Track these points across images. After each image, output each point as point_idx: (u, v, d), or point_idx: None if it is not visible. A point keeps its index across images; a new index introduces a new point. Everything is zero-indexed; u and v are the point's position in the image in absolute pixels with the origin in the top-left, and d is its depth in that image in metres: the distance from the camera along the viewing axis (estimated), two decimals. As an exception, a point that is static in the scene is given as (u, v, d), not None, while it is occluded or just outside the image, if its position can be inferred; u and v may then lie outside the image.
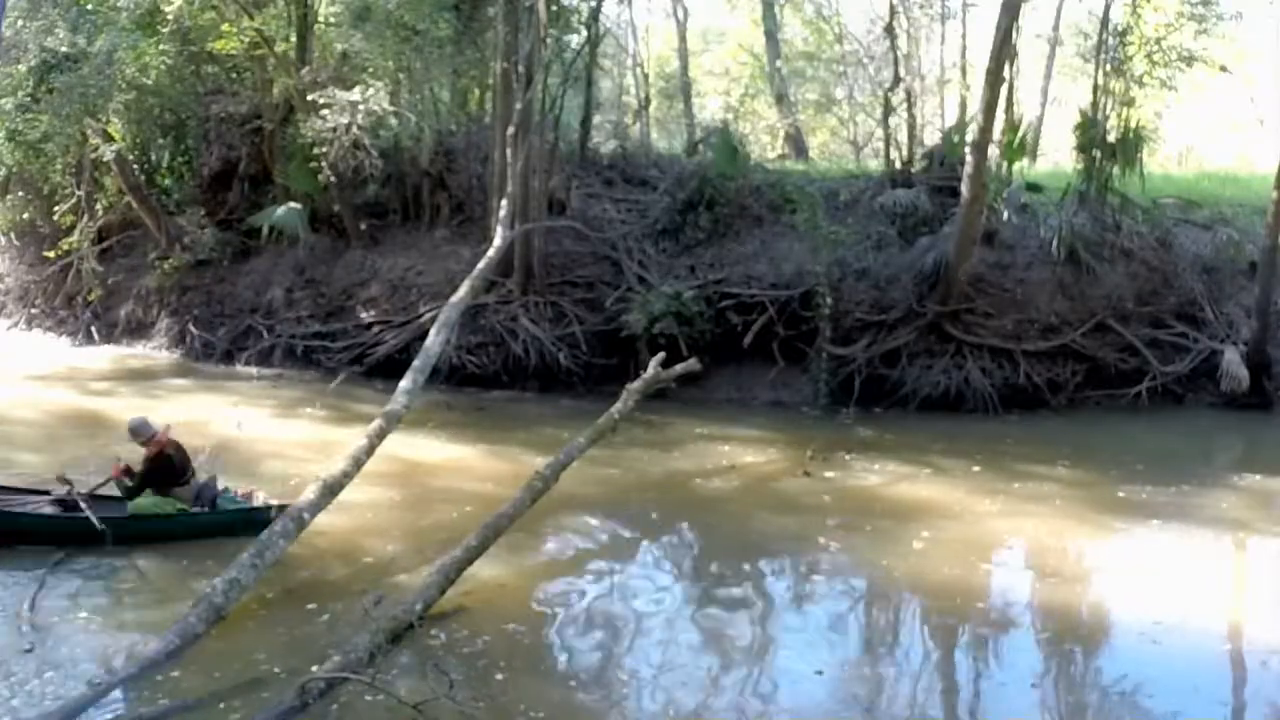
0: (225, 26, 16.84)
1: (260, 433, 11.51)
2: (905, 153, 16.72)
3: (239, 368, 15.90)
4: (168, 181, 19.14)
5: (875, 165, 19.12)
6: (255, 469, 9.78)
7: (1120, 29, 15.60)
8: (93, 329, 18.38)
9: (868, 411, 13.45)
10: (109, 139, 17.32)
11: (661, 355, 11.30)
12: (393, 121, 16.05)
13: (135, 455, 7.84)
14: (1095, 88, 15.44)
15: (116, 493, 7.82)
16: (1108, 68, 15.37)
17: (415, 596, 6.18)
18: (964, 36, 22.81)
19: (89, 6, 16.13)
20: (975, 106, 14.84)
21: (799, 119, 27.47)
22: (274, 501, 7.78)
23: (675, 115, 29.38)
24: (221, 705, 5.22)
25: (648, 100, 24.50)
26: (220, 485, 7.99)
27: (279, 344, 16.02)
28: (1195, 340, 14.42)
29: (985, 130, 13.20)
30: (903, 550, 7.99)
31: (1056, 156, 23.58)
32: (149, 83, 16.96)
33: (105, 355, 17.06)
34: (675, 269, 15.15)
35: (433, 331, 9.87)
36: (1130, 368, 14.23)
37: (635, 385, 10.18)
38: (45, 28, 16.48)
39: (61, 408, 12.73)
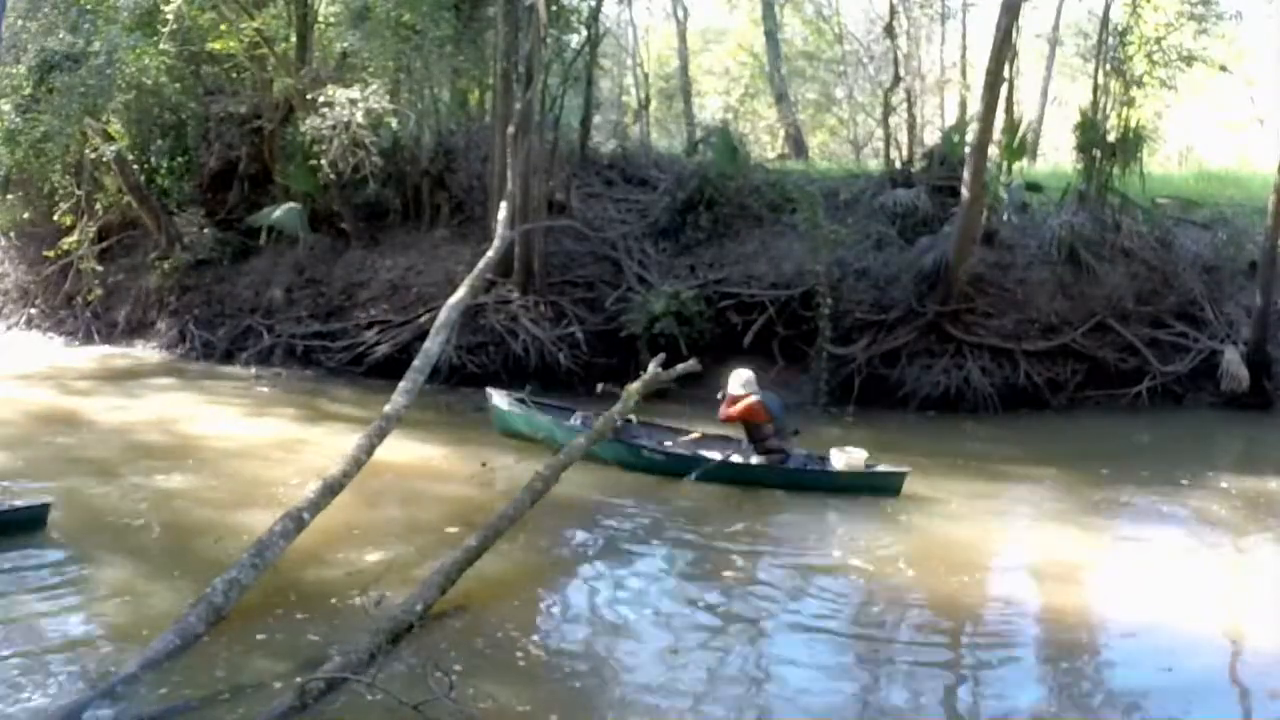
0: (225, 27, 16.84)
1: (237, 431, 11.50)
2: (905, 153, 16.75)
3: (238, 369, 15.89)
4: (168, 181, 19.13)
5: (875, 165, 19.13)
6: (230, 468, 9.79)
7: (1120, 29, 15.62)
8: (92, 329, 18.38)
9: (867, 411, 13.46)
10: (109, 139, 17.31)
11: (662, 356, 11.33)
12: (392, 122, 16.04)
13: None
14: (1095, 88, 15.46)
15: None
16: (1108, 68, 15.39)
17: (415, 596, 6.17)
18: (964, 36, 22.85)
19: (89, 6, 16.12)
20: (975, 106, 14.85)
21: (799, 119, 27.48)
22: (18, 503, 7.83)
23: (675, 115, 29.39)
24: (221, 705, 5.22)
25: (648, 100, 24.52)
26: None
27: (279, 344, 16.01)
28: (1195, 340, 14.44)
29: (985, 130, 13.21)
30: (901, 550, 7.99)
31: (1056, 156, 23.60)
32: (149, 83, 16.95)
33: (95, 355, 17.05)
34: (675, 269, 15.16)
35: (432, 332, 9.86)
36: (1130, 367, 14.24)
37: (635, 386, 10.20)
38: (45, 28, 16.47)
39: (38, 406, 12.73)
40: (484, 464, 9.83)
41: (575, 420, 10.52)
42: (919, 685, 5.93)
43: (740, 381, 9.89)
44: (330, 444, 10.45)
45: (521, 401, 11.20)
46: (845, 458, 9.60)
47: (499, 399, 11.30)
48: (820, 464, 9.76)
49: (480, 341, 14.65)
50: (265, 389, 14.40)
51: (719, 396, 10.21)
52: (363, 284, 16.26)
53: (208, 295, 17.33)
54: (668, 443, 10.27)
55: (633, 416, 10.37)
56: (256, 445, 10.78)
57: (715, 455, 9.75)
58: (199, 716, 5.14)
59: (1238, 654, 6.43)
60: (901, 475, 9.47)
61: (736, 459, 9.71)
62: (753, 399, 9.73)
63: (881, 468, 9.64)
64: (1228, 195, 17.57)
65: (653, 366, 10.90)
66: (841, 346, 13.95)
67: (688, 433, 10.50)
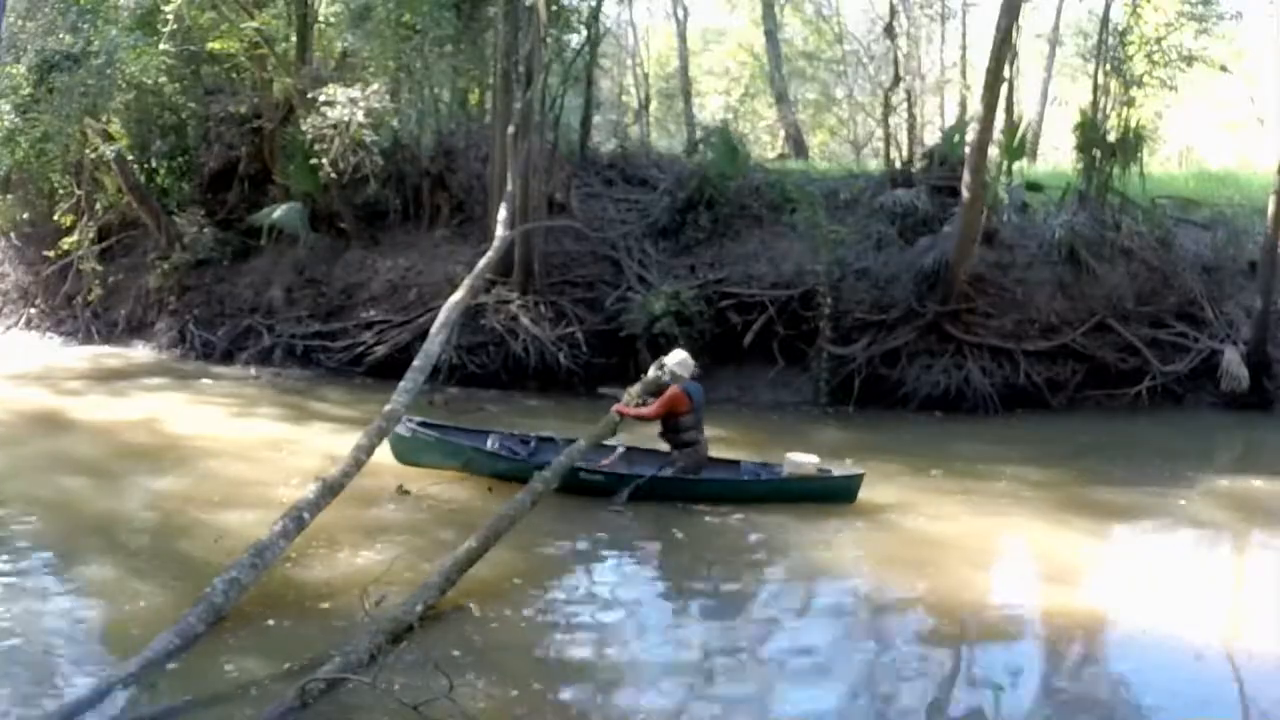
0: (225, 27, 16.84)
1: (230, 432, 11.49)
2: (905, 153, 16.72)
3: (236, 368, 15.88)
4: (168, 181, 19.14)
5: (875, 165, 19.12)
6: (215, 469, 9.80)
7: (1120, 29, 15.62)
8: (92, 329, 18.39)
9: (867, 411, 13.46)
10: (109, 139, 17.32)
11: (662, 360, 11.27)
12: (393, 122, 16.03)
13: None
14: (1095, 88, 15.46)
15: None
16: (1108, 68, 15.39)
17: (415, 596, 6.17)
18: (964, 36, 22.95)
19: (89, 6, 16.11)
20: (975, 106, 14.84)
21: (799, 119, 27.49)
22: None
23: (675, 115, 29.40)
24: (221, 705, 5.22)
25: (648, 100, 24.54)
26: None
27: (279, 344, 16.02)
28: (1195, 340, 14.44)
29: (985, 130, 13.20)
30: (899, 551, 7.99)
31: (1056, 156, 23.62)
32: (149, 83, 16.96)
33: (94, 355, 17.04)
34: (675, 269, 15.15)
35: (432, 332, 9.87)
36: (1130, 367, 14.24)
37: (635, 388, 10.16)
38: (45, 28, 16.47)
39: (32, 406, 12.75)
40: (401, 489, 8.93)
41: (491, 443, 9.79)
42: (915, 686, 5.93)
43: (676, 360, 9.35)
44: (321, 444, 10.48)
45: (425, 426, 9.89)
46: (794, 463, 9.07)
47: (399, 426, 9.46)
48: (772, 473, 9.24)
49: (480, 341, 14.64)
50: (256, 389, 14.39)
51: (647, 376, 9.66)
52: (363, 284, 16.26)
53: (208, 295, 17.34)
54: (604, 461, 9.40)
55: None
56: (248, 445, 10.77)
57: (649, 472, 9.04)
58: (199, 716, 5.14)
59: (1236, 655, 6.42)
60: (856, 478, 8.98)
61: (668, 472, 9.12)
62: (675, 388, 9.15)
63: (836, 472, 9.15)
64: (1228, 195, 17.57)
65: (653, 369, 10.86)
66: (841, 346, 13.95)
67: (612, 449, 9.58)
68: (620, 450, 9.63)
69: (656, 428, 9.42)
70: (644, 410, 9.36)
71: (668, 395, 9.21)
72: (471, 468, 9.48)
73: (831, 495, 9.01)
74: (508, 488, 8.49)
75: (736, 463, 9.60)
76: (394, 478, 9.15)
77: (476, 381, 14.37)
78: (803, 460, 9.17)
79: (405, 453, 9.61)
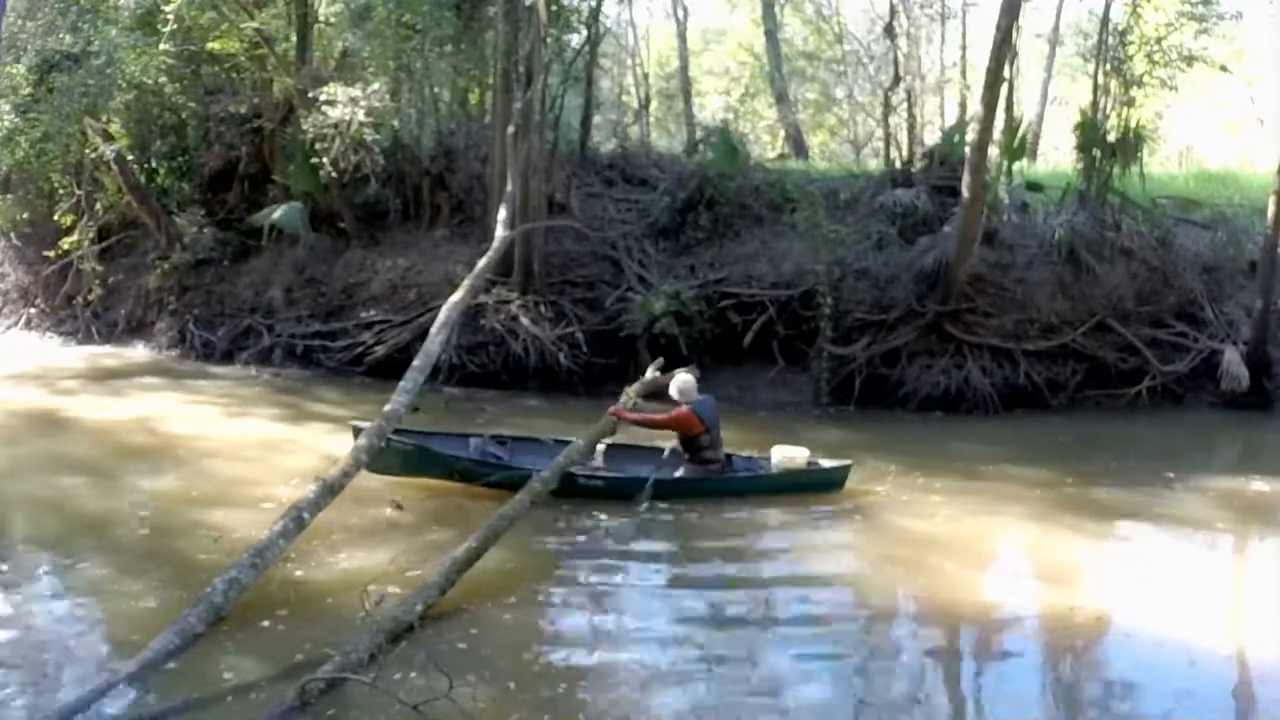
0: (225, 26, 16.84)
1: (226, 431, 11.49)
2: (905, 152, 16.70)
3: (235, 368, 15.89)
4: (168, 181, 19.15)
5: (875, 165, 19.12)
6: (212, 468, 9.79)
7: (1120, 29, 15.60)
8: (92, 329, 18.41)
9: (867, 411, 13.46)
10: (109, 139, 17.32)
11: (660, 361, 11.30)
12: (394, 122, 16.03)
13: None
14: (1095, 88, 15.45)
15: None
16: (1108, 68, 15.37)
17: (415, 596, 6.18)
18: (964, 36, 22.91)
19: (89, 6, 16.11)
20: (975, 106, 14.84)
21: (799, 119, 27.49)
22: None
23: (675, 115, 29.40)
24: (221, 705, 5.22)
25: (648, 100, 24.52)
26: None
27: (279, 344, 16.03)
28: (1195, 340, 14.42)
29: (985, 130, 13.19)
30: (898, 550, 7.99)
31: (1056, 156, 23.63)
32: (149, 83, 16.97)
33: (93, 355, 17.06)
34: (675, 269, 15.15)
35: (432, 332, 9.87)
36: (1130, 367, 14.23)
37: (634, 388, 10.19)
38: (45, 28, 16.47)
39: (23, 406, 12.75)
40: (397, 504, 8.55)
41: (471, 448, 9.46)
42: (913, 687, 5.93)
43: (678, 388, 9.34)
44: (321, 444, 10.50)
45: (400, 434, 9.08)
46: (783, 457, 9.28)
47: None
48: (762, 467, 9.37)
49: (480, 341, 14.64)
50: (256, 389, 14.39)
51: (645, 377, 9.90)
52: (363, 284, 16.26)
53: (208, 295, 17.35)
54: (594, 463, 9.31)
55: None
56: (248, 445, 10.78)
57: (649, 471, 9.06)
58: (199, 716, 5.14)
59: (1236, 656, 6.42)
60: (844, 469, 9.23)
61: (662, 474, 9.08)
62: (683, 408, 9.16)
63: (823, 463, 9.32)
64: (1227, 196, 17.57)
65: (651, 370, 10.88)
66: (841, 346, 13.95)
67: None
68: (601, 448, 9.51)
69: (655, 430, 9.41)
70: (650, 417, 9.36)
71: (677, 415, 9.19)
72: (451, 475, 9.11)
73: (822, 485, 9.26)
74: (495, 492, 8.46)
75: (722, 464, 9.58)
76: (391, 483, 9.10)
77: (476, 382, 14.37)
78: (793, 454, 9.33)
79: (376, 462, 8.63)
